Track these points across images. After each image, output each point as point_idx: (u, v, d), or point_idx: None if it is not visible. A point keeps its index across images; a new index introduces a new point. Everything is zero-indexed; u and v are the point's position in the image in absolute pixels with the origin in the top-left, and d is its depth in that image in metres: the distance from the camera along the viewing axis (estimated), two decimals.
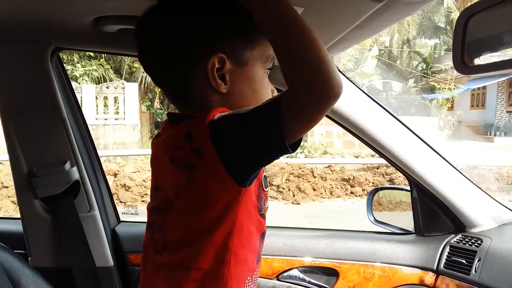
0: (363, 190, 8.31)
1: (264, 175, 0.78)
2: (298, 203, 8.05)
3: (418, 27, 19.64)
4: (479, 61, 0.64)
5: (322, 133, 10.87)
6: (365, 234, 1.53)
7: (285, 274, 1.41)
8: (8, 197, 7.32)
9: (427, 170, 1.33)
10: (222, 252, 0.71)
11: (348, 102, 1.29)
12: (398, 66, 19.62)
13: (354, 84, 1.32)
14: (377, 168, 8.90)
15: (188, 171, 0.70)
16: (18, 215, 1.36)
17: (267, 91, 0.79)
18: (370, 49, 16.19)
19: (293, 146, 0.65)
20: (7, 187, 7.50)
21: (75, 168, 1.32)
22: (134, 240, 1.48)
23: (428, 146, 1.35)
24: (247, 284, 0.77)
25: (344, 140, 10.64)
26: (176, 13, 0.73)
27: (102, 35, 1.07)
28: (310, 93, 0.62)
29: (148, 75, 0.83)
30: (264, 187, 0.77)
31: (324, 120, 1.32)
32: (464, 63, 0.64)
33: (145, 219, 0.92)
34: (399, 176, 8.14)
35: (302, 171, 8.62)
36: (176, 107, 0.82)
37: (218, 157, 0.65)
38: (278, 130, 0.62)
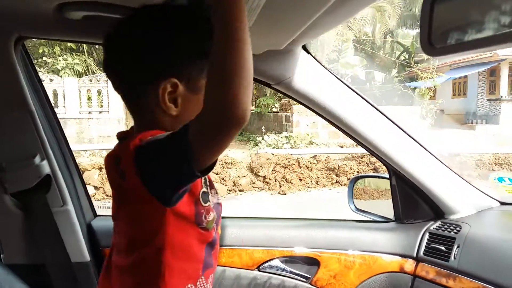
0: (348, 179, 8.37)
1: (203, 191, 0.81)
2: (285, 193, 8.07)
3: (399, 18, 19.72)
4: (446, 43, 0.63)
5: (308, 124, 10.89)
6: (345, 223, 1.53)
7: (266, 264, 1.40)
8: None
9: (405, 157, 1.32)
10: (156, 265, 0.77)
11: (327, 92, 1.28)
12: (381, 56, 19.70)
13: (333, 74, 1.31)
14: (362, 158, 8.97)
15: (119, 191, 0.81)
16: None
17: None
18: (353, 40, 16.26)
19: (205, 170, 0.66)
20: None
21: (45, 162, 1.28)
22: (111, 234, 1.45)
23: (405, 133, 1.35)
24: None
25: (329, 131, 10.69)
26: (139, 34, 0.75)
27: (66, 22, 1.03)
28: (219, 117, 0.61)
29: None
30: (203, 203, 0.80)
31: (309, 111, 1.31)
32: (431, 45, 0.63)
33: None
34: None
35: (288, 161, 8.63)
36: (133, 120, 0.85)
37: (141, 180, 0.70)
38: (185, 156, 0.64)
